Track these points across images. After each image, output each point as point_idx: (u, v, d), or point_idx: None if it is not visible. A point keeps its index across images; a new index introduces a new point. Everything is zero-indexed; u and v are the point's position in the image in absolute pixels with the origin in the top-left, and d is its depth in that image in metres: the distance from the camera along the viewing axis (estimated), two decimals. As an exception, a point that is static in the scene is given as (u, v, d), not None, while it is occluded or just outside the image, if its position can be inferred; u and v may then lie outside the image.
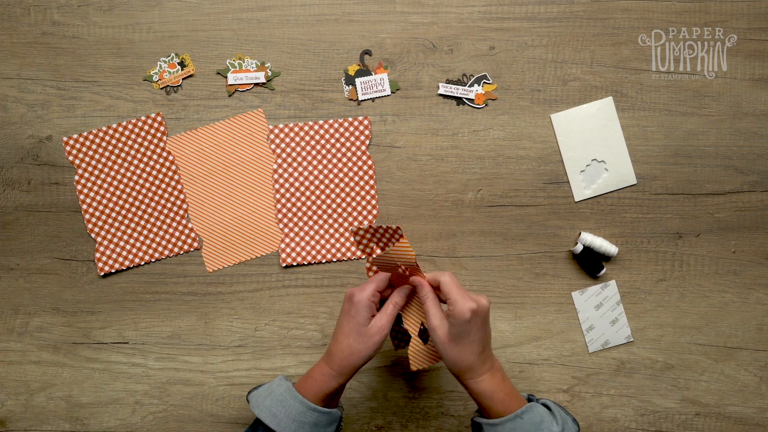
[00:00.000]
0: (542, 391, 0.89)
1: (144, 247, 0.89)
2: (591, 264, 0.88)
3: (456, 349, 0.71)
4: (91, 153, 0.89)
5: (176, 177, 0.89)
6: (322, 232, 0.90)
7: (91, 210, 0.89)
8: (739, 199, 0.90)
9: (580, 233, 0.89)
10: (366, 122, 0.89)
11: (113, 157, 0.89)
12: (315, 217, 0.90)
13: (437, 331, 0.71)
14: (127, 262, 0.89)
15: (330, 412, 0.73)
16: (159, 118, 0.89)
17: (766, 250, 0.90)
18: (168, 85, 0.89)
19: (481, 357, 0.71)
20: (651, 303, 0.89)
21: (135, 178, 0.89)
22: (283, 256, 0.89)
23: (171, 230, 0.89)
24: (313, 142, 0.89)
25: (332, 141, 0.89)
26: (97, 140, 0.89)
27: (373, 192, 0.90)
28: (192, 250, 0.90)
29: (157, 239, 0.89)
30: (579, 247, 0.88)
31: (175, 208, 0.89)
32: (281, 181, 0.90)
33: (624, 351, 0.89)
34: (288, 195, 0.90)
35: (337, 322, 0.76)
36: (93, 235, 0.89)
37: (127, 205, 0.89)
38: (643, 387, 0.89)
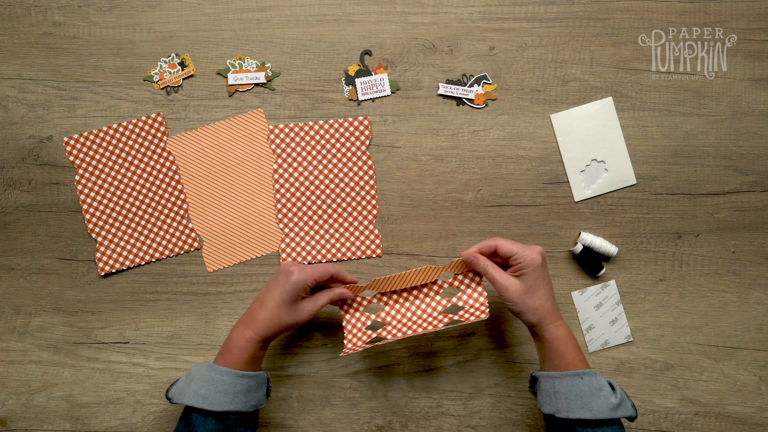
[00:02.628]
0: (542, 391, 0.89)
1: (144, 247, 0.89)
2: (591, 264, 0.88)
3: (535, 298, 0.75)
4: (91, 153, 0.89)
5: (176, 177, 0.90)
6: (322, 232, 0.90)
7: (91, 210, 0.89)
8: (738, 199, 0.90)
9: (579, 233, 0.89)
10: (366, 122, 0.90)
11: (114, 157, 0.89)
12: (315, 217, 0.90)
13: (510, 289, 0.76)
14: (127, 262, 0.89)
15: (257, 374, 0.75)
16: (159, 119, 0.89)
17: (765, 250, 0.90)
18: (168, 86, 0.90)
19: (553, 302, 0.76)
20: (651, 303, 0.90)
21: (135, 178, 0.89)
22: (284, 256, 0.89)
23: (171, 230, 0.89)
24: (313, 142, 0.90)
25: (332, 141, 0.90)
26: (98, 140, 0.89)
27: (373, 192, 0.90)
28: (192, 250, 0.90)
29: (158, 239, 0.89)
30: (579, 247, 0.88)
31: (175, 208, 0.90)
32: (281, 181, 0.90)
33: (624, 351, 0.89)
34: (288, 195, 0.90)
35: (267, 290, 0.78)
36: (93, 235, 0.89)
37: (127, 205, 0.89)
38: (643, 387, 0.89)
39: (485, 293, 0.81)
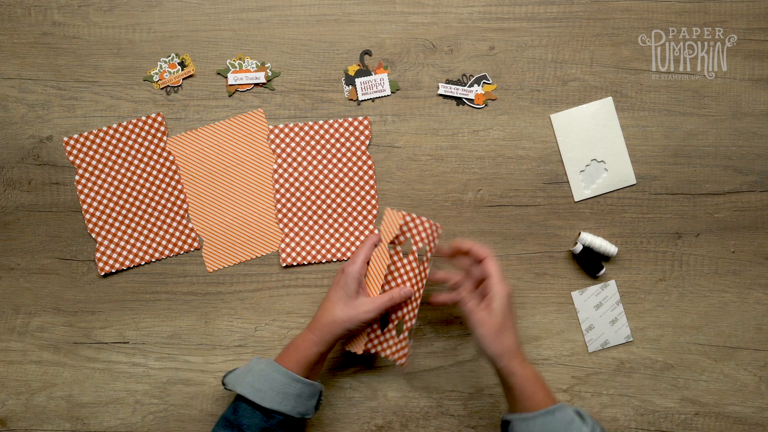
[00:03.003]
0: (542, 391, 0.89)
1: (144, 247, 0.89)
2: (591, 264, 0.88)
3: (505, 336, 0.74)
4: (91, 153, 0.89)
5: (176, 177, 0.90)
6: (322, 232, 0.90)
7: (91, 210, 0.89)
8: (738, 199, 0.90)
9: (579, 233, 0.89)
10: (366, 122, 0.90)
11: (114, 157, 0.89)
12: (315, 217, 0.90)
13: (487, 324, 0.74)
14: (127, 262, 0.89)
15: (312, 383, 0.76)
16: (159, 119, 0.89)
17: (765, 250, 0.90)
18: (168, 85, 0.90)
19: (518, 341, 0.75)
20: (651, 303, 0.90)
21: (135, 178, 0.89)
22: (283, 256, 0.89)
23: (171, 230, 0.89)
24: (313, 142, 0.90)
25: (332, 141, 0.90)
26: (98, 140, 0.89)
27: (373, 192, 0.90)
28: (192, 250, 0.90)
29: (158, 239, 0.89)
30: (579, 247, 0.88)
31: (175, 208, 0.90)
32: (281, 181, 0.90)
33: (624, 351, 0.89)
34: (288, 195, 0.90)
35: (327, 293, 0.80)
36: (93, 235, 0.89)
37: (127, 205, 0.89)
38: (643, 387, 0.89)
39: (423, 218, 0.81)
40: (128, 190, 0.89)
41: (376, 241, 0.82)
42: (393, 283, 0.82)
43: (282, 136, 0.90)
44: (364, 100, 0.90)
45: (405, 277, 0.82)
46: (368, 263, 0.81)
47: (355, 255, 0.80)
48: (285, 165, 0.90)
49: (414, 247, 0.81)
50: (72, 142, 0.89)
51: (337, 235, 0.90)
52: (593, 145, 0.90)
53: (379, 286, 0.80)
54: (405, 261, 0.82)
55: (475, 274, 0.79)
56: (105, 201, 0.89)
